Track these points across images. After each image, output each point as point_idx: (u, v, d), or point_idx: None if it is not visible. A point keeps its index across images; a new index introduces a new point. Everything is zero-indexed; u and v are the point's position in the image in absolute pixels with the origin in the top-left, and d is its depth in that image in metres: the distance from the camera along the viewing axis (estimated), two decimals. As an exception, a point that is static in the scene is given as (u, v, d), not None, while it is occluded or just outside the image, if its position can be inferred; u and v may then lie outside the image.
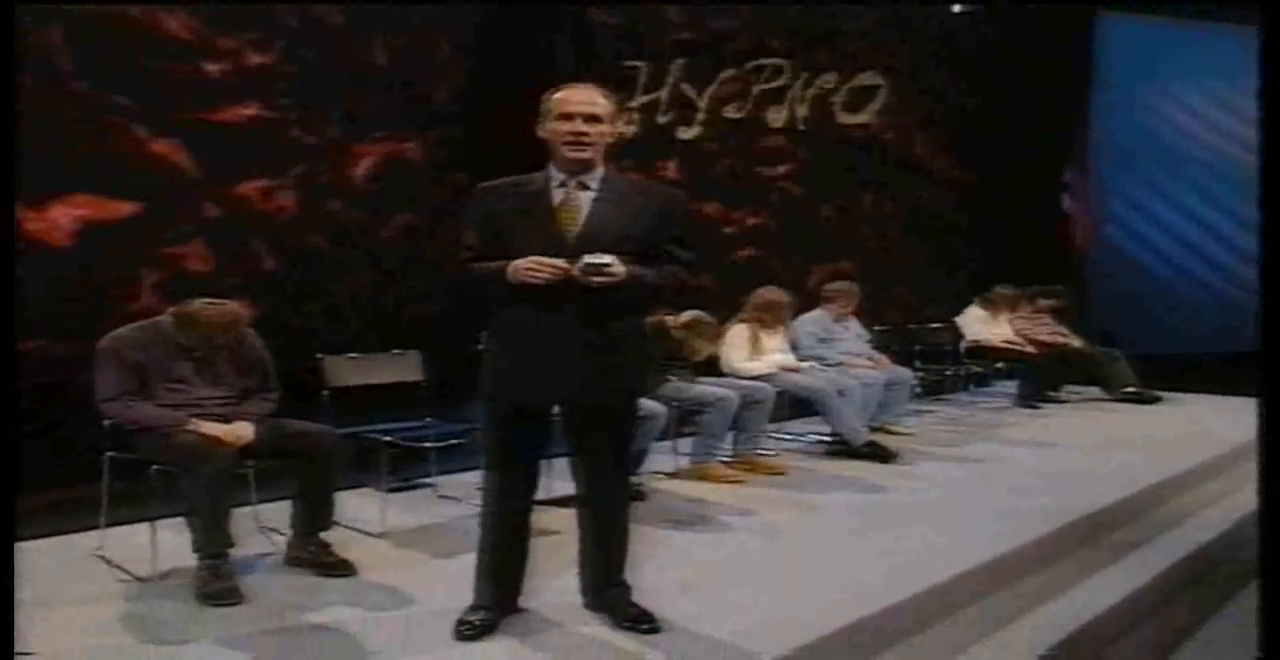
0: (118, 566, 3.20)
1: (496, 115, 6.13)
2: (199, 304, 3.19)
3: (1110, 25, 9.27)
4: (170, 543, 3.09)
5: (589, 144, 2.53)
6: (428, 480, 4.30)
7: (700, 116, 7.46)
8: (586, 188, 2.58)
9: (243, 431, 3.08)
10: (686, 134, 7.41)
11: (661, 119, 7.23)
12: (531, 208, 2.56)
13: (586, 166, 2.57)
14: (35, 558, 3.31)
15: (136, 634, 2.65)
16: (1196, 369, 7.44)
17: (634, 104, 7.05)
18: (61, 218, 5.09)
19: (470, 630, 2.61)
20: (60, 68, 5.02)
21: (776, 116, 7.80)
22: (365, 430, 3.87)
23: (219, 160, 5.53)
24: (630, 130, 7.06)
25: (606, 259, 2.40)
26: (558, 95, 2.58)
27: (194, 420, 3.06)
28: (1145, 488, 4.41)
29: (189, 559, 2.97)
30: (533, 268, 2.42)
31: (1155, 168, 9.54)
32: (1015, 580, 3.36)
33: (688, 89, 7.39)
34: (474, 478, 4.22)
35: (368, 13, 5.95)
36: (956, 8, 8.70)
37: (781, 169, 7.84)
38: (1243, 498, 4.71)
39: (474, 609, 2.69)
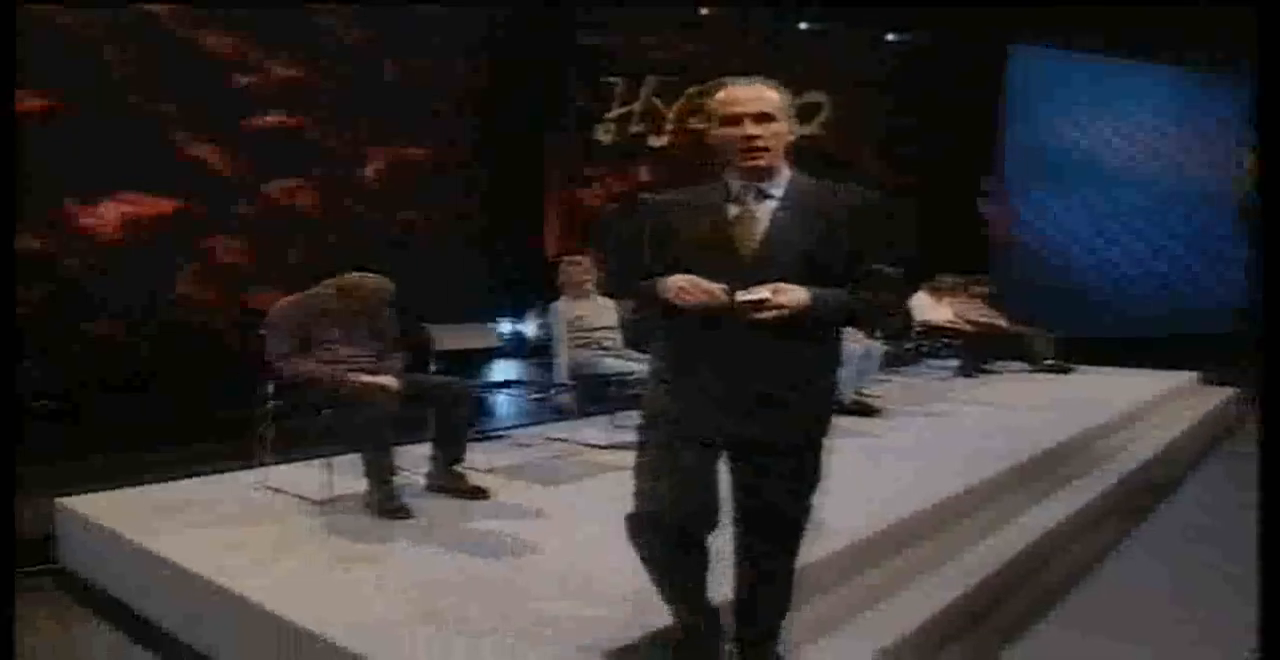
0: (294, 495, 3.55)
1: (498, 124, 6.49)
2: (357, 276, 3.52)
3: (1022, 57, 10.32)
4: (321, 477, 3.51)
5: (764, 148, 2.01)
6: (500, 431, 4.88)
7: (668, 127, 7.94)
8: (768, 197, 2.05)
9: (390, 382, 3.45)
10: (656, 142, 7.87)
11: (635, 128, 7.69)
12: (703, 223, 2.05)
13: (766, 174, 2.05)
14: (214, 489, 3.66)
15: (330, 550, 2.96)
16: (1095, 346, 8.11)
17: (611, 115, 7.50)
18: (110, 214, 5.30)
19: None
20: (115, 80, 5.23)
21: (735, 128, 8.30)
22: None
23: (250, 162, 5.78)
24: (607, 138, 7.51)
25: (763, 293, 1.90)
26: (720, 95, 2.06)
27: (351, 373, 3.42)
28: (1071, 437, 4.97)
29: (350, 488, 3.39)
30: (685, 289, 1.95)
31: (1059, 178, 10.58)
32: (979, 508, 3.79)
33: (658, 103, 7.85)
34: (538, 430, 4.85)
35: (383, 31, 6.24)
36: (890, 36, 9.42)
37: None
38: (1145, 444, 5.37)
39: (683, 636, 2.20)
